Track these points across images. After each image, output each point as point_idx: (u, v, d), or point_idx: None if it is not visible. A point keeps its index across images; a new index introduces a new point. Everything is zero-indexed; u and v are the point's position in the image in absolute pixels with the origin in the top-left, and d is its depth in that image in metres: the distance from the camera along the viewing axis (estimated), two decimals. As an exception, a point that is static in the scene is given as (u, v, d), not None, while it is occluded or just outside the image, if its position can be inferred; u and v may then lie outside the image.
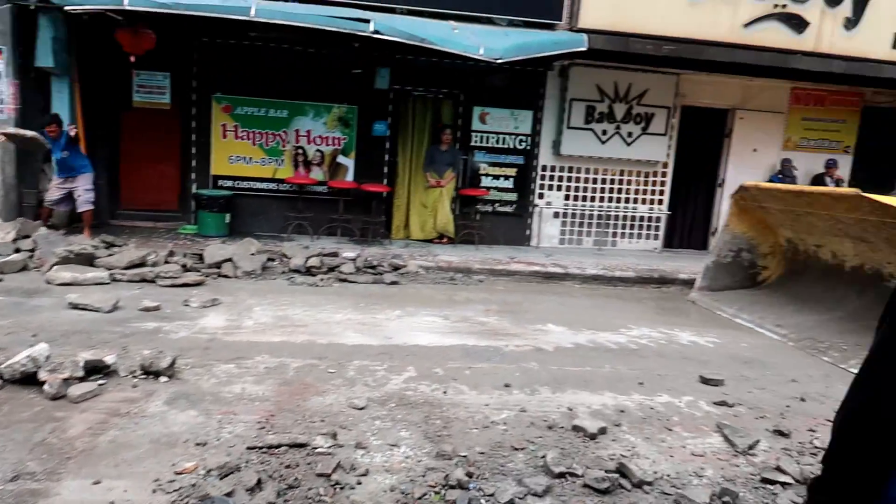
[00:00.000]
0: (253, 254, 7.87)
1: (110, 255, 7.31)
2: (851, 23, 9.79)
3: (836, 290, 7.05)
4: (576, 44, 8.73)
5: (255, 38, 9.31)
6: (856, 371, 4.30)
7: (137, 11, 7.59)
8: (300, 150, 9.82)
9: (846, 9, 9.73)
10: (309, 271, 7.75)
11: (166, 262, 7.37)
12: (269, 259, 7.96)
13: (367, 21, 7.83)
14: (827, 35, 9.76)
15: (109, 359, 4.32)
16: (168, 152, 9.75)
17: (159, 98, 9.58)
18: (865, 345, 5.08)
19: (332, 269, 7.87)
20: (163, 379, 4.29)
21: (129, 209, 9.80)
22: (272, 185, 9.81)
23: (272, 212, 9.80)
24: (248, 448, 3.45)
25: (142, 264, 7.16)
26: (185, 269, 7.32)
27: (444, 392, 4.46)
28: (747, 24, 9.53)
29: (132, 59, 8.46)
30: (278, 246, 8.55)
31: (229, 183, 9.66)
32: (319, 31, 7.88)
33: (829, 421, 4.36)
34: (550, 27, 9.29)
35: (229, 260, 7.57)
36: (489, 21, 9.17)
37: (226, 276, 7.39)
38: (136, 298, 6.16)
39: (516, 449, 3.68)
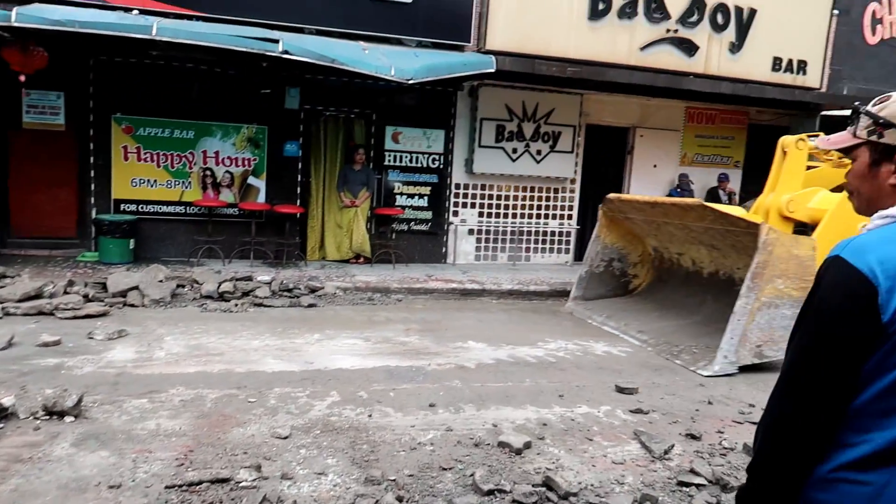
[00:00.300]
0: (161, 281, 7.55)
1: (1, 286, 6.82)
2: (736, 47, 10.55)
3: (696, 296, 7.45)
4: (484, 65, 8.95)
5: (156, 57, 8.98)
6: (704, 373, 4.64)
7: (27, 29, 7.17)
8: (208, 172, 9.52)
9: (731, 34, 10.48)
10: (222, 297, 7.50)
11: (66, 293, 6.94)
12: (179, 286, 7.65)
13: (276, 41, 7.73)
14: (715, 58, 10.47)
15: (6, 400, 4.02)
16: (64, 176, 9.21)
17: (53, 119, 9.05)
18: (715, 347, 5.51)
19: (246, 294, 7.66)
20: (68, 419, 4.03)
21: (20, 237, 9.16)
22: (179, 209, 9.45)
23: (180, 236, 9.43)
24: (167, 487, 3.30)
25: (38, 296, 6.72)
26: (88, 299, 6.93)
27: (370, 415, 4.43)
28: (643, 48, 10.09)
29: (22, 78, 7.96)
30: (188, 272, 8.24)
31: (132, 207, 9.23)
32: (226, 50, 7.71)
33: (735, 422, 4.67)
34: (459, 48, 9.49)
35: (136, 288, 7.23)
36: (399, 42, 9.27)
37: (132, 306, 7.05)
38: (34, 333, 5.77)
39: (445, 469, 3.70)
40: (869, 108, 1.50)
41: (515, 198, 11.02)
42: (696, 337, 6.62)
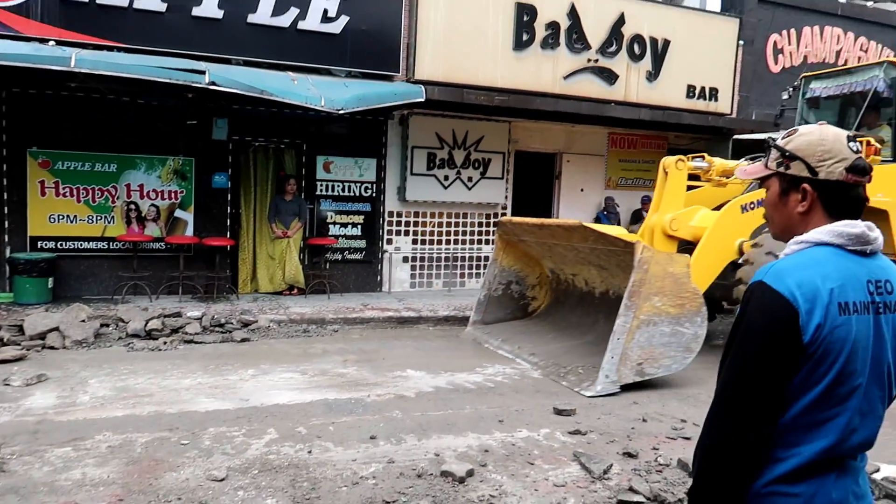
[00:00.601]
0: (83, 320, 7.22)
1: None
2: (652, 76, 11.07)
3: (590, 316, 7.53)
4: (414, 95, 9.06)
5: (75, 89, 8.68)
6: (587, 393, 4.75)
7: (-67, 60, 6.82)
8: (133, 206, 9.21)
9: (647, 64, 11.00)
10: (150, 335, 7.24)
11: (-22, 338, 6.55)
12: (103, 325, 7.34)
13: (203, 72, 7.60)
14: (634, 86, 10.95)
15: (-85, 458, 3.75)
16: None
17: (-39, 154, 8.58)
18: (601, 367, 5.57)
19: (175, 331, 7.42)
20: (-15, 474, 3.79)
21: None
22: (102, 245, 9.08)
23: (103, 273, 9.06)
24: (97, 541, 3.14)
25: (-54, 342, 6.31)
26: (2, 343, 6.56)
27: (309, 452, 4.35)
28: (567, 77, 10.46)
29: (-73, 111, 7.55)
30: (113, 310, 7.90)
31: (51, 244, 8.81)
32: (150, 81, 7.53)
33: (669, 438, 4.82)
34: (389, 78, 9.58)
35: (56, 329, 6.89)
36: (328, 73, 9.29)
37: (52, 348, 6.71)
38: (-57, 383, 5.41)
39: (388, 503, 3.66)
40: (778, 141, 1.62)
41: (449, 224, 11.13)
42: (586, 357, 6.60)
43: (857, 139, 1.60)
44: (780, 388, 1.42)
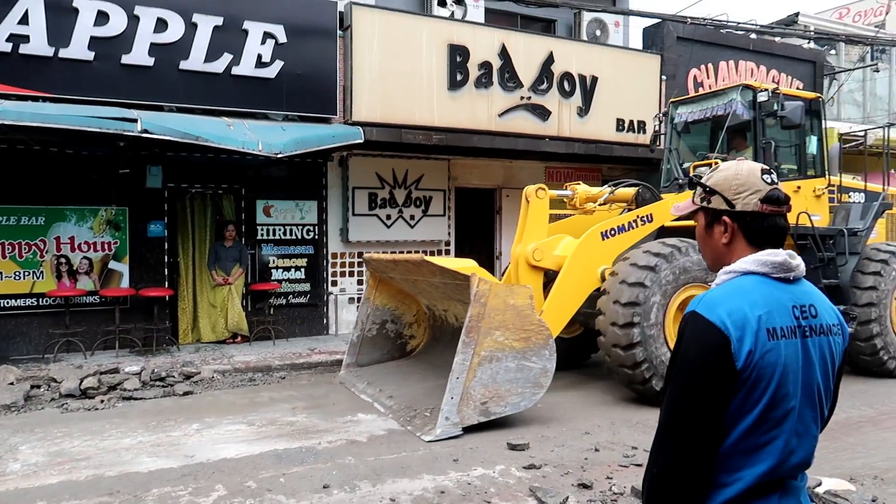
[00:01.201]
0: (11, 383, 6.86)
1: None
2: (583, 111, 11.46)
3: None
4: (352, 136, 9.11)
5: (-1, 141, 8.38)
6: (426, 438, 4.68)
7: None
8: (63, 259, 8.86)
9: (577, 100, 11.39)
10: (85, 394, 6.91)
11: None
12: (34, 386, 6.98)
13: (135, 120, 7.46)
14: (566, 121, 11.30)
15: None
16: None
17: None
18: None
19: (113, 388, 7.11)
20: None
21: None
22: (31, 301, 8.67)
23: (33, 331, 8.63)
24: None
25: None
26: (-78, 413, 6.15)
27: (261, 506, 4.22)
28: (502, 114, 10.71)
29: None
30: (44, 369, 7.53)
31: (-26, 304, 8.38)
32: (79, 131, 7.33)
33: (621, 466, 4.89)
34: (326, 121, 9.61)
35: (-19, 394, 6.51)
36: (265, 117, 9.25)
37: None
38: None
39: (346, 553, 3.58)
40: (703, 178, 1.73)
41: (392, 263, 11.11)
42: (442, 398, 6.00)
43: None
44: (718, 415, 1.48)
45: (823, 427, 1.63)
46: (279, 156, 8.21)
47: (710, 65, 13.21)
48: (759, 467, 1.49)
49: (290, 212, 10.30)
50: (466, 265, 6.80)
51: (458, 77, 10.34)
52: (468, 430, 5.79)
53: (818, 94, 8.62)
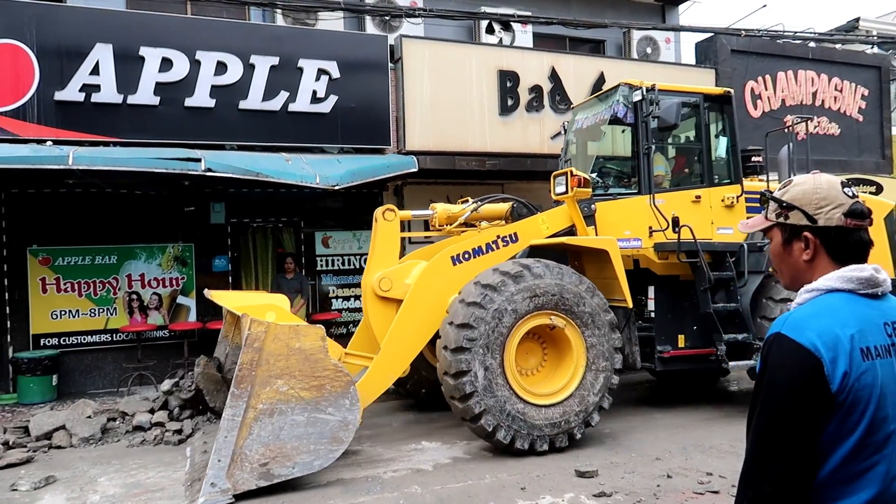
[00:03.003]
0: (90, 416, 7.10)
1: None
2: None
3: None
4: (407, 165, 9.24)
5: (73, 185, 8.83)
6: None
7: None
8: (134, 296, 9.22)
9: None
10: (156, 426, 7.10)
11: (-18, 443, 6.42)
12: (110, 419, 7.21)
13: (199, 160, 7.76)
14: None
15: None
16: (-25, 316, 8.71)
17: (-38, 257, 8.64)
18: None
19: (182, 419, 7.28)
20: (-3, 588, 3.66)
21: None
22: (105, 337, 9.05)
23: (107, 366, 8.99)
24: None
25: (-49, 451, 6.18)
26: (8, 446, 6.43)
27: (331, 537, 4.22)
28: (554, 137, 10.67)
29: (-72, 219, 7.64)
30: (118, 402, 7.80)
31: (54, 341, 8.78)
32: (147, 172, 7.67)
33: (696, 493, 4.70)
34: (381, 152, 9.77)
35: (62, 427, 6.77)
36: (321, 150, 9.47)
37: (59, 447, 6.56)
38: (-51, 494, 5.28)
39: (417, 585, 3.54)
40: (775, 192, 1.67)
41: (450, 289, 11.12)
42: None
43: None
44: (812, 443, 1.39)
45: None
46: (336, 188, 8.39)
47: (767, 77, 12.88)
48: (861, 496, 1.40)
49: (347, 242, 10.47)
50: (264, 301, 6.15)
51: (509, 102, 10.38)
52: (533, 458, 5.68)
53: (725, 89, 7.51)
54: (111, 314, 9.09)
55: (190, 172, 7.73)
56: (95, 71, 8.12)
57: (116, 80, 8.23)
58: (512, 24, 11.62)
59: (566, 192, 6.52)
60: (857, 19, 15.46)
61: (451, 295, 6.05)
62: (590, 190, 6.58)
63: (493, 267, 6.00)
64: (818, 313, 1.47)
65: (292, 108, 9.15)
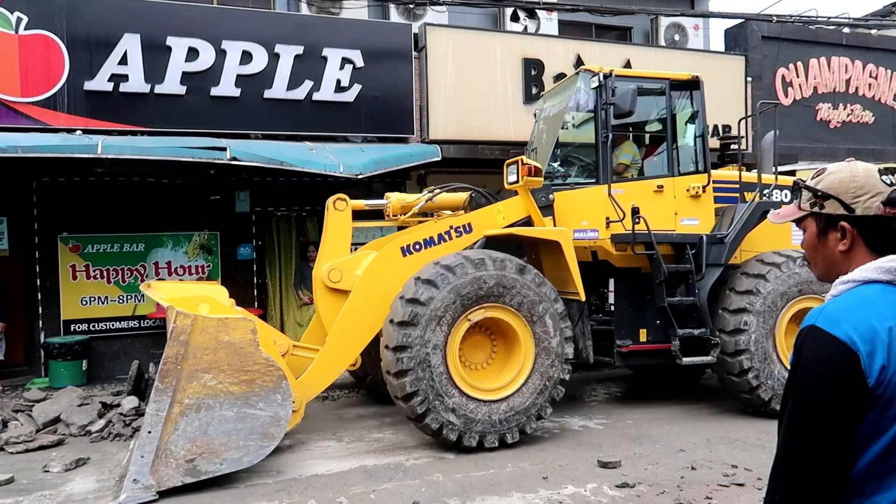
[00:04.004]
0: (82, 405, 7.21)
1: (-56, 427, 6.41)
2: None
3: None
4: (430, 154, 9.21)
5: (101, 174, 8.97)
6: None
7: (-32, 157, 7.09)
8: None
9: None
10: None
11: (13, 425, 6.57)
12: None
13: (224, 149, 7.82)
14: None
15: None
16: (9, 303, 8.89)
17: (-5, 245, 8.84)
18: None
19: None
20: (29, 566, 3.74)
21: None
22: (133, 323, 9.20)
23: (136, 351, 9.13)
24: None
25: (-15, 432, 6.34)
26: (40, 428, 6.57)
27: (353, 522, 4.26)
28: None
29: (-37, 207, 7.81)
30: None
31: (83, 327, 8.95)
32: (172, 161, 7.75)
33: (722, 486, 4.65)
34: (404, 141, 9.76)
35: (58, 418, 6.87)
36: (345, 139, 9.49)
37: (89, 433, 6.69)
38: (-17, 474, 5.41)
39: (438, 572, 3.55)
40: (808, 181, 1.61)
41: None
42: None
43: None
44: (847, 438, 1.35)
45: None
46: (359, 177, 8.40)
47: (798, 63, 12.62)
48: None
49: (371, 231, 10.48)
50: (199, 293, 6.00)
51: (534, 90, 10.28)
52: (555, 448, 5.66)
53: (692, 75, 7.08)
54: (139, 301, 9.23)
55: (215, 161, 7.79)
56: (124, 61, 8.21)
57: (144, 70, 8.31)
58: (537, 11, 11.50)
59: (517, 182, 6.26)
60: (894, 4, 15.02)
61: (400, 286, 5.85)
62: (541, 179, 6.29)
63: (435, 261, 5.78)
64: (855, 305, 1.42)
65: (316, 97, 9.16)
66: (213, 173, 8.96)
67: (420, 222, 6.85)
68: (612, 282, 6.88)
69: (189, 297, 5.80)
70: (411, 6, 10.67)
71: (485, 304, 5.69)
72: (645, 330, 6.75)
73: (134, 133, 8.30)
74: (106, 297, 9.10)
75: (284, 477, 5.20)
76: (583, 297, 6.32)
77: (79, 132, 7.99)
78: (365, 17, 10.25)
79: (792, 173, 11.44)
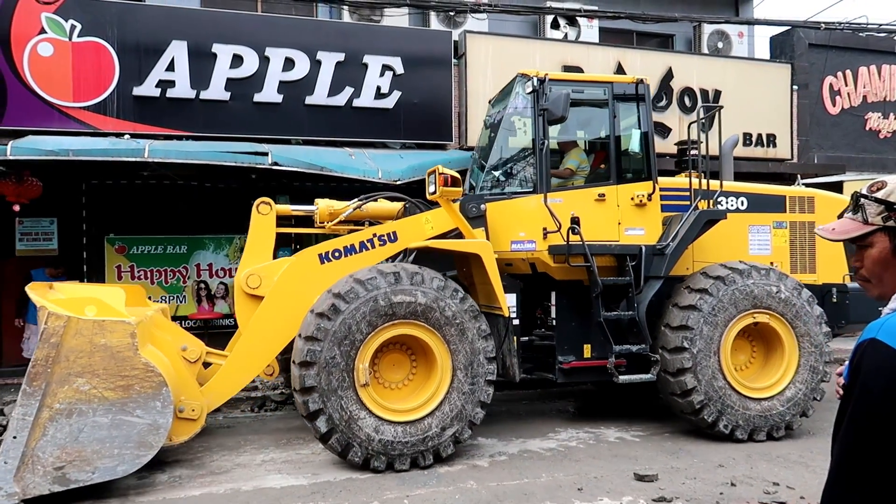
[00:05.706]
0: (159, 400, 7.37)
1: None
2: (706, 126, 10.96)
3: None
4: (468, 161, 9.19)
5: (147, 177, 9.20)
6: None
7: (22, 161, 7.36)
8: (202, 285, 9.55)
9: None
10: (221, 409, 7.34)
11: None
12: (177, 403, 7.48)
13: (266, 154, 7.97)
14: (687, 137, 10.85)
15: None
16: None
17: (46, 245, 9.15)
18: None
19: (252, 406, 7.51)
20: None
21: (11, 365, 9.01)
22: (175, 324, 9.39)
23: (176, 351, 9.33)
24: None
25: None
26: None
27: (386, 527, 4.27)
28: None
29: (16, 208, 8.10)
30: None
31: (127, 326, 9.18)
32: (215, 165, 7.92)
33: (762, 503, 4.53)
34: (442, 147, 9.80)
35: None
36: (384, 146, 9.57)
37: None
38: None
39: (471, 580, 3.53)
40: (876, 194, 1.51)
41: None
42: None
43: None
44: None
45: None
46: (397, 183, 8.46)
47: (847, 72, 12.32)
48: None
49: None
50: (88, 295, 5.75)
51: (573, 98, 10.22)
52: (591, 459, 5.59)
53: (638, 78, 6.73)
54: (181, 301, 9.44)
55: (257, 166, 7.94)
56: (171, 67, 8.44)
57: (190, 76, 8.52)
58: (577, 18, 11.45)
59: (435, 193, 5.76)
60: (949, 11, 14.55)
61: (317, 295, 5.57)
62: (460, 189, 5.83)
63: (350, 274, 5.51)
64: None
65: (356, 103, 9.27)
66: (254, 178, 9.13)
67: (351, 231, 6.57)
68: (553, 295, 6.54)
69: (75, 299, 5.58)
70: (452, 14, 10.72)
71: (397, 321, 5.37)
72: (589, 346, 6.38)
73: (179, 138, 8.51)
74: (149, 298, 9.30)
75: (320, 479, 5.24)
76: (506, 312, 5.95)
77: (127, 136, 8.22)
78: (405, 25, 10.34)
79: (839, 185, 11.14)
